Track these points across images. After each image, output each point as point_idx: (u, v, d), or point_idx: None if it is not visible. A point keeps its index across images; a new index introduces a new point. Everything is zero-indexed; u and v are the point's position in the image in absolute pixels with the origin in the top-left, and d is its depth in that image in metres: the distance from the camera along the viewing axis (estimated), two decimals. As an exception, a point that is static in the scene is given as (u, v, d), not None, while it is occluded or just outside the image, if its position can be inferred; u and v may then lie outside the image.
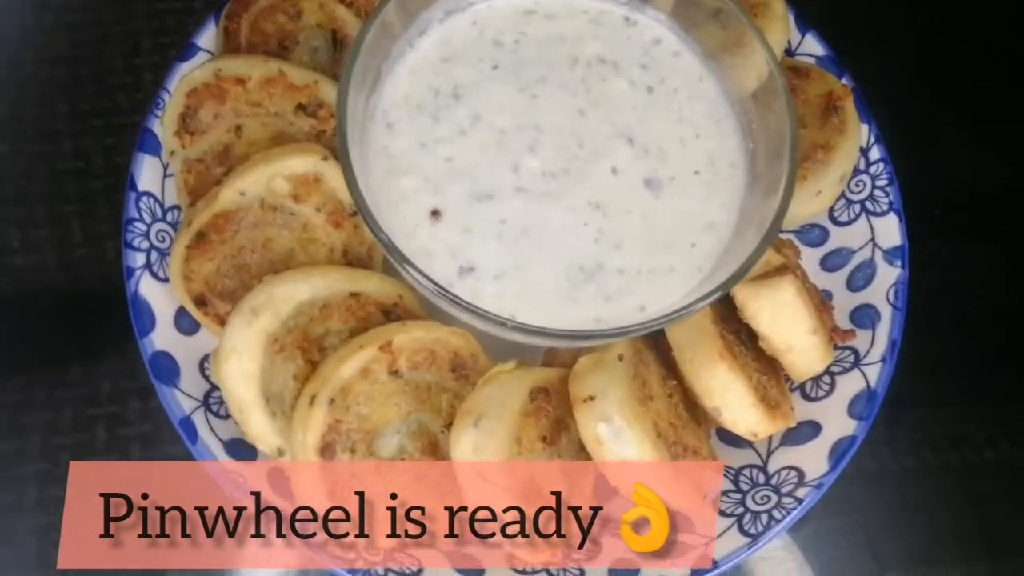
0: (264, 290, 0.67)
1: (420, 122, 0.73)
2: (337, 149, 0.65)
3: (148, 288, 0.73)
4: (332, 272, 0.70)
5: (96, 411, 0.83)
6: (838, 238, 0.85)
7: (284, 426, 0.67)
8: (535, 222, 0.71)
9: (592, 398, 0.66)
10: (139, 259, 0.73)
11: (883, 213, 0.84)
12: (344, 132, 0.66)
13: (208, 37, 0.81)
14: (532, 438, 0.66)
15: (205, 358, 0.74)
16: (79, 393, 0.84)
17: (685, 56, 0.79)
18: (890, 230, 0.83)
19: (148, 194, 0.76)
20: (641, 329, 0.65)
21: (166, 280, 0.74)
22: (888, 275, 0.81)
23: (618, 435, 0.64)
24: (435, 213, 0.71)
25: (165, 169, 0.77)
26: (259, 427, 0.66)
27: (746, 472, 0.77)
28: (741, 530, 0.73)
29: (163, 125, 0.73)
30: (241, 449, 0.70)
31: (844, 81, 0.87)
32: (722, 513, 0.74)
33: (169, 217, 0.77)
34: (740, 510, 0.74)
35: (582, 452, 0.71)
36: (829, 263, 0.85)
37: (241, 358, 0.66)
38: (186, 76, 0.72)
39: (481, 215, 0.71)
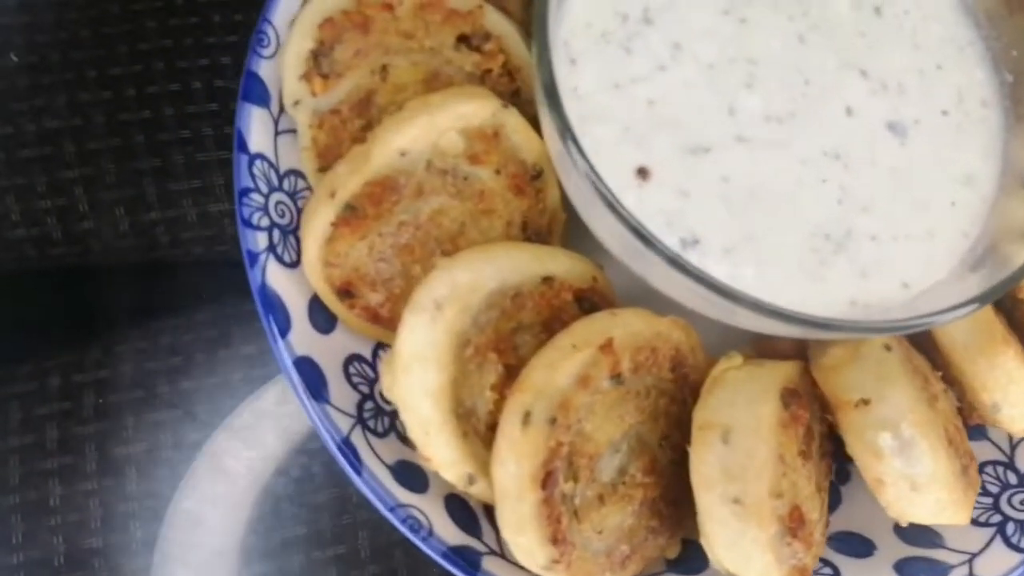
0: (443, 277, 0.52)
1: (609, 55, 0.58)
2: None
3: (276, 277, 0.58)
4: (517, 251, 0.55)
5: (118, 397, 0.72)
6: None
7: (477, 449, 0.53)
8: (763, 179, 0.57)
9: (866, 402, 0.53)
10: (261, 240, 0.58)
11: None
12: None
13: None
14: (793, 454, 0.53)
15: (349, 361, 0.59)
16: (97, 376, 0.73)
17: (913, -34, 0.64)
18: None
19: (261, 156, 0.60)
20: (921, 324, 0.52)
21: (293, 265, 0.59)
22: None
23: (907, 448, 0.51)
24: (642, 172, 0.56)
25: (276, 124, 0.61)
26: (449, 451, 0.52)
27: (989, 470, 0.65)
28: (1007, 542, 0.61)
29: (282, 66, 0.57)
30: (409, 474, 0.56)
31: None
32: (975, 522, 0.62)
33: (286, 185, 0.61)
34: (998, 518, 0.62)
35: (822, 462, 0.58)
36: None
37: (427, 367, 0.51)
38: (316, 5, 0.56)
39: (698, 173, 0.57)
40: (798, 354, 0.60)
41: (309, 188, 0.62)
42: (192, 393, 0.73)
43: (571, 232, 0.61)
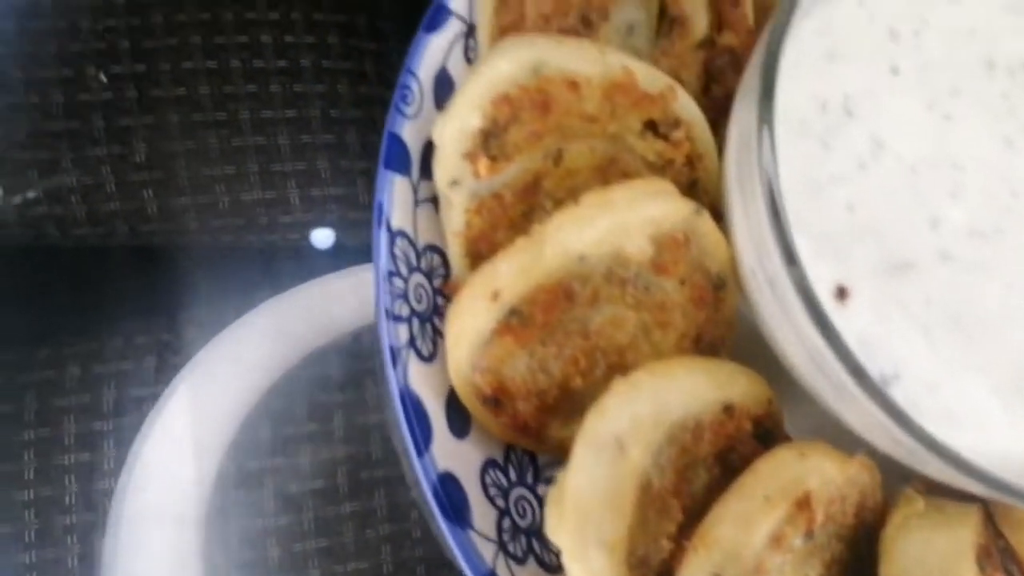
0: (623, 408, 0.46)
1: (806, 148, 0.52)
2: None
3: (416, 377, 0.51)
4: (696, 374, 0.49)
5: (142, 391, 0.72)
6: None
7: (644, 601, 0.47)
8: (967, 305, 0.51)
9: (1074, 571, 0.48)
10: (403, 333, 0.51)
11: None
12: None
13: (461, -2, 0.56)
14: (994, 628, 0.48)
15: (485, 469, 0.53)
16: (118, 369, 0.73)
17: None
18: None
19: (402, 233, 0.53)
20: None
21: (430, 358, 0.52)
22: None
23: None
24: (841, 291, 0.50)
25: (416, 192, 0.54)
26: (617, 606, 0.46)
27: None
28: None
29: (441, 139, 0.50)
30: (552, 609, 0.51)
31: None
32: None
33: (423, 263, 0.54)
34: None
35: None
36: None
37: (606, 515, 0.45)
38: (486, 73, 0.48)
39: (900, 294, 0.50)
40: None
41: (445, 265, 0.55)
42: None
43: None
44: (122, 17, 0.88)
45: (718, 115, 0.55)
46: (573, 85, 0.47)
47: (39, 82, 0.82)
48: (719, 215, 0.53)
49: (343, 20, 0.95)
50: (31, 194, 0.74)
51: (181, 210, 0.86)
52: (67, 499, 0.73)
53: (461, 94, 0.49)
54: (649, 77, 0.49)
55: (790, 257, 0.45)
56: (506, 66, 0.48)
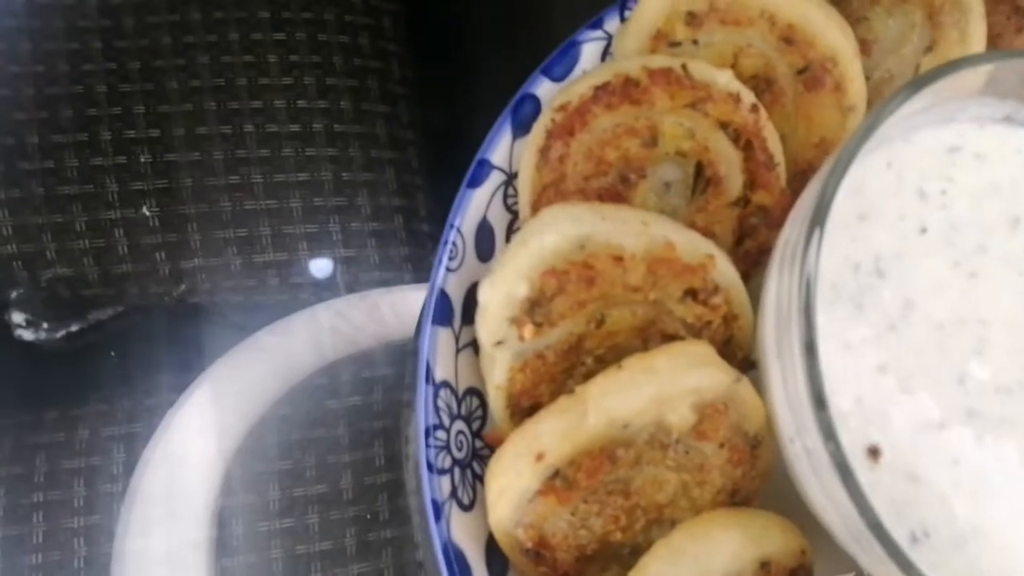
0: (666, 573, 0.47)
1: (839, 311, 0.53)
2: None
3: (458, 528, 0.52)
4: (730, 530, 0.50)
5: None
6: None
7: None
8: (993, 462, 0.53)
9: None
10: (445, 486, 0.53)
11: None
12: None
13: (503, 149, 0.59)
14: None
15: (521, 617, 0.54)
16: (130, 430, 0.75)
17: None
18: None
19: (445, 384, 0.54)
20: None
21: (469, 507, 0.54)
22: None
23: None
24: (873, 451, 0.51)
25: (457, 340, 0.56)
26: None
27: None
28: None
29: (488, 301, 0.51)
30: None
31: None
32: None
33: (463, 408, 0.56)
34: None
35: None
36: None
37: None
38: (533, 246, 0.50)
39: (930, 454, 0.52)
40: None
41: (483, 406, 0.57)
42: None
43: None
44: (136, 82, 0.90)
45: (750, 267, 0.57)
46: (618, 259, 0.49)
47: (55, 147, 0.84)
48: (752, 364, 0.55)
49: (355, 84, 0.97)
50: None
51: (193, 271, 0.88)
52: (75, 502, 0.74)
53: (509, 262, 0.51)
54: (690, 247, 0.51)
55: (828, 432, 0.46)
56: (552, 240, 0.50)
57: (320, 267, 0.88)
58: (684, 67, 0.55)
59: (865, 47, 0.62)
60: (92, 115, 0.86)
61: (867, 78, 0.61)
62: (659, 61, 0.55)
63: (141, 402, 0.79)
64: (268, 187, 0.91)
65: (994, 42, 0.64)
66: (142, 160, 0.86)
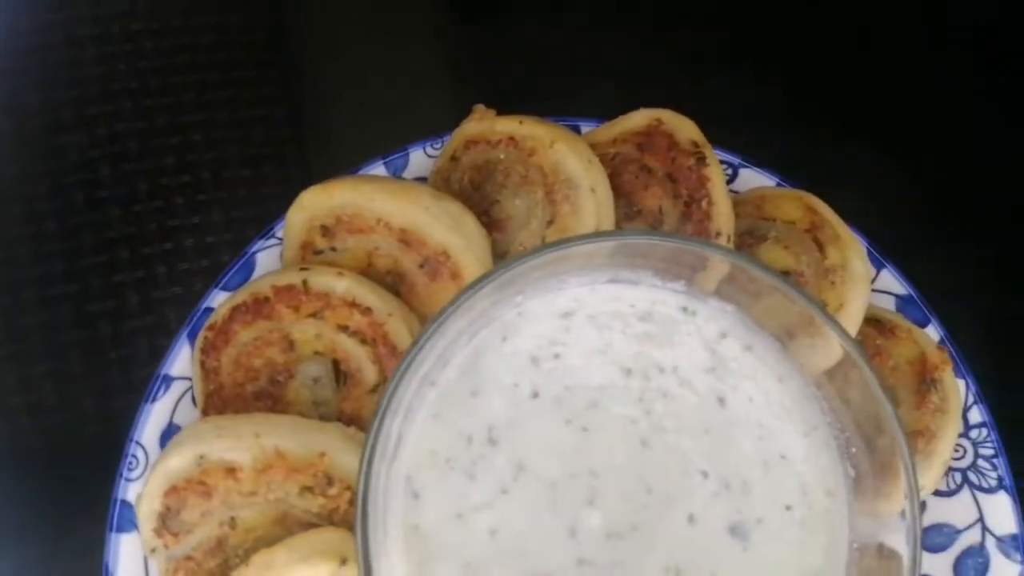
0: None
1: (453, 483, 0.60)
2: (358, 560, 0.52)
3: None
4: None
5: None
6: (937, 511, 0.73)
7: None
8: (602, 608, 0.59)
9: None
10: None
11: (991, 490, 0.72)
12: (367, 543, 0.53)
13: (183, 361, 0.67)
14: None
15: None
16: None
17: (757, 350, 0.66)
18: (1002, 513, 0.71)
19: (130, 584, 0.62)
20: None
21: None
22: (1006, 571, 0.70)
23: None
24: (481, 612, 0.58)
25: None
26: None
27: None
28: None
29: (139, 515, 0.60)
30: None
31: (933, 332, 0.74)
32: None
33: (156, 603, 0.63)
34: None
35: None
36: (929, 541, 0.73)
37: None
38: (161, 468, 0.59)
39: (542, 609, 0.58)
40: None
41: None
42: None
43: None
44: (139, 160, 0.93)
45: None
46: (231, 471, 0.57)
47: (70, 228, 0.90)
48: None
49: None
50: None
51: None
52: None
53: (149, 481, 0.59)
54: (302, 450, 0.59)
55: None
56: (175, 461, 0.58)
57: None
58: (304, 283, 0.63)
59: (500, 225, 0.69)
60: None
61: (504, 252, 0.69)
62: (286, 278, 0.64)
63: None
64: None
65: (628, 199, 0.71)
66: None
